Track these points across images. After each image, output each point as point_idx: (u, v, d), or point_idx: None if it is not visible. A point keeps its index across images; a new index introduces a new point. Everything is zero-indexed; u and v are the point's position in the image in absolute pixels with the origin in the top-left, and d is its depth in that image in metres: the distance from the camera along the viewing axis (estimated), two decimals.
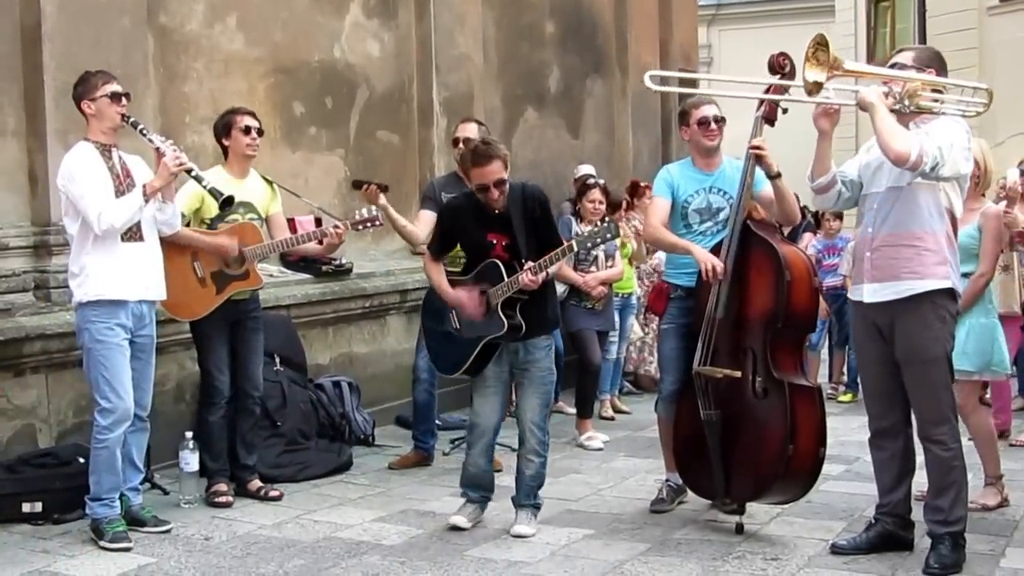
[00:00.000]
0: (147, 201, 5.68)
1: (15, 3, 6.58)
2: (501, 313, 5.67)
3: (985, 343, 6.25)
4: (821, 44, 4.89)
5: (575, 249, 5.60)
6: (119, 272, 5.67)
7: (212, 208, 6.32)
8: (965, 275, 6.18)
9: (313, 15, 8.67)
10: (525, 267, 5.57)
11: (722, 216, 5.98)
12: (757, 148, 5.72)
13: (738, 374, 5.69)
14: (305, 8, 8.59)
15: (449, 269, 6.05)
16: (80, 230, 5.65)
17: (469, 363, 5.85)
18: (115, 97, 5.74)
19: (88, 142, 5.77)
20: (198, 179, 5.92)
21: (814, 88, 4.93)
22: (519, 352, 5.80)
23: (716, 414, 5.78)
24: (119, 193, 5.69)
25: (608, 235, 5.63)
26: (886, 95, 5.01)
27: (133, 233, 5.73)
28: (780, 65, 5.99)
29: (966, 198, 6.27)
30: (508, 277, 5.63)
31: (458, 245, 6.06)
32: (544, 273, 5.59)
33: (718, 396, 5.79)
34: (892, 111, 5.00)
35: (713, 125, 6.04)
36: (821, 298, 10.06)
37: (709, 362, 5.78)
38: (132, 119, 5.80)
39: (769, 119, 5.90)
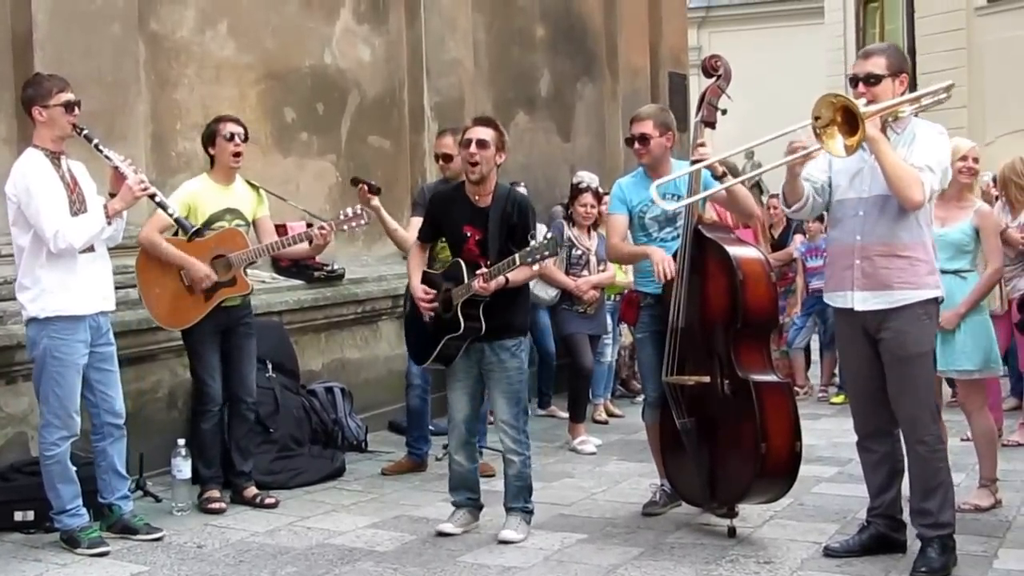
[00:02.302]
0: (109, 223, 5.62)
1: (6, 11, 6.58)
2: (460, 313, 5.71)
3: (983, 340, 6.27)
4: (833, 105, 4.79)
5: (518, 262, 5.59)
6: (78, 286, 5.59)
7: (204, 212, 6.33)
8: (955, 272, 6.21)
9: (304, 21, 8.67)
10: (477, 272, 5.61)
11: (680, 220, 5.97)
12: (700, 154, 5.73)
13: (707, 379, 5.71)
14: (296, 14, 8.59)
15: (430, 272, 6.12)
16: (33, 241, 5.53)
17: (432, 357, 5.91)
18: (69, 107, 5.61)
19: (37, 149, 5.63)
20: (163, 206, 5.88)
21: (853, 151, 4.85)
22: (485, 352, 5.82)
23: (691, 421, 5.80)
24: (71, 203, 5.58)
25: (547, 251, 5.61)
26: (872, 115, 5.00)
27: None
28: (713, 67, 6.03)
29: (953, 197, 6.31)
30: (468, 279, 5.69)
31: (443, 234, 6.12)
32: (500, 279, 5.62)
33: (690, 403, 5.82)
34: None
35: (637, 145, 6.07)
36: (799, 296, 10.16)
37: (678, 370, 5.81)
38: (86, 132, 5.67)
39: (708, 122, 5.96)
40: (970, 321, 6.24)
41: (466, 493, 6.03)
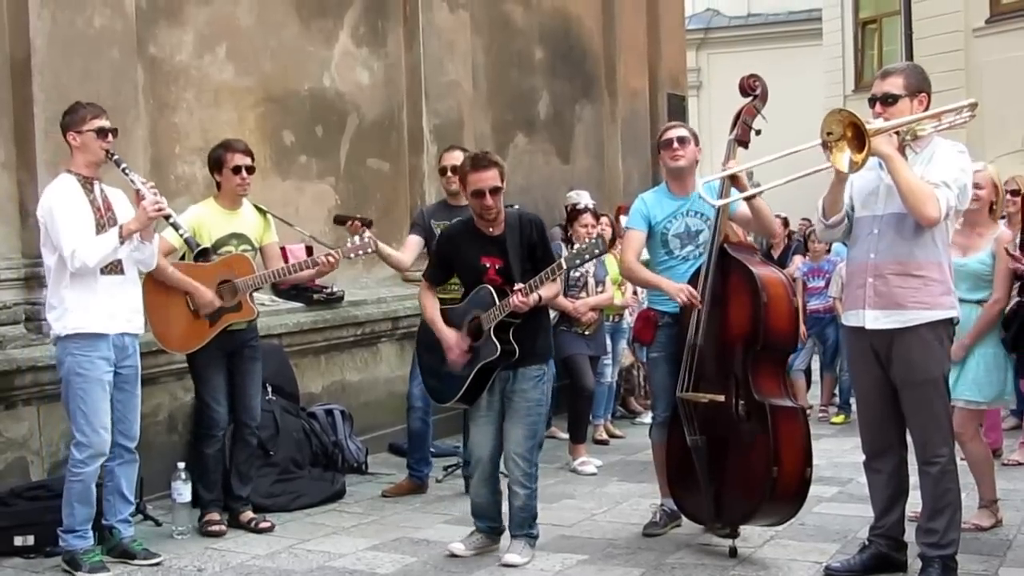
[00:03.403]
0: (122, 243, 5.65)
1: (4, 37, 6.60)
2: (494, 338, 5.66)
3: (999, 373, 6.21)
4: (845, 120, 4.78)
5: (564, 267, 5.60)
6: (98, 306, 5.66)
7: (209, 238, 6.34)
8: (978, 302, 6.18)
9: (302, 44, 8.70)
10: (515, 288, 5.57)
11: (702, 239, 5.99)
12: (731, 171, 5.76)
13: (721, 398, 5.70)
14: (294, 37, 8.62)
15: (443, 296, 6.08)
16: (58, 262, 5.63)
17: (464, 390, 5.79)
18: (102, 133, 5.73)
19: (70, 174, 5.76)
20: (175, 226, 5.92)
21: (858, 167, 4.82)
22: (508, 380, 5.77)
23: (702, 439, 5.79)
24: (100, 227, 5.68)
25: (596, 250, 5.59)
26: (889, 133, 4.98)
27: (113, 266, 5.72)
28: (751, 87, 6.04)
29: (978, 224, 6.26)
30: (500, 301, 5.64)
31: (454, 274, 6.04)
32: (535, 295, 5.58)
33: (703, 421, 5.80)
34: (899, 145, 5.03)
35: (676, 144, 6.07)
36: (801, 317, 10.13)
37: (693, 387, 5.79)
38: (116, 157, 5.78)
39: (742, 141, 5.96)
40: (987, 353, 6.17)
41: (487, 521, 6.00)
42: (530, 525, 5.88)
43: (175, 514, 6.40)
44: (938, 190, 4.92)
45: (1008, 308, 6.35)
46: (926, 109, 5.13)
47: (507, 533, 5.93)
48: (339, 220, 7.22)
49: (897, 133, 5.02)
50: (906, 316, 5.08)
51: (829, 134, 4.82)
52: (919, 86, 5.14)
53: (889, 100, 5.11)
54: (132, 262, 5.85)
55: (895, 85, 5.13)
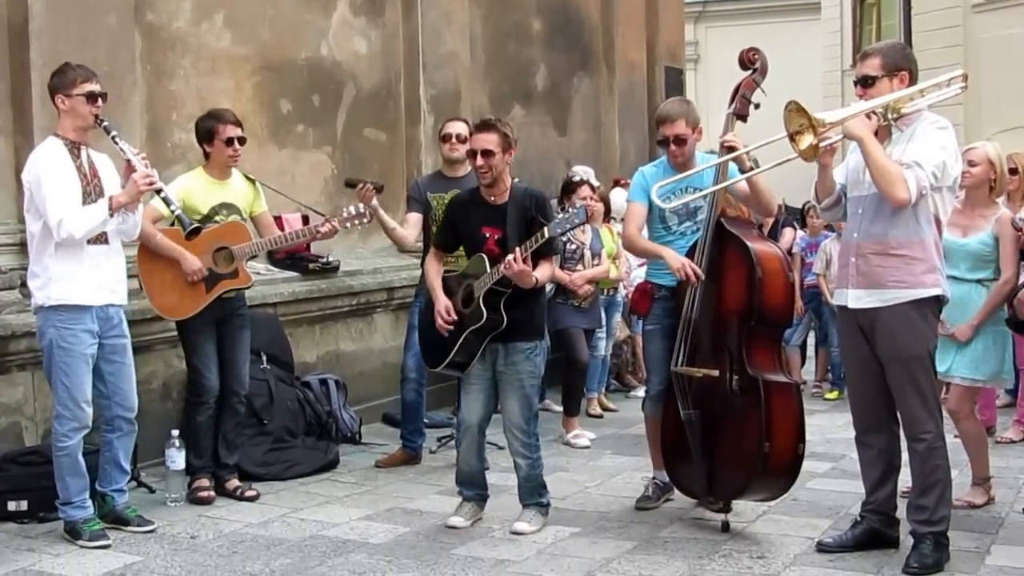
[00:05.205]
0: (112, 215, 5.57)
1: (2, 1, 6.55)
2: (483, 306, 5.70)
3: (998, 352, 6.20)
4: (795, 111, 4.85)
5: (547, 235, 5.59)
6: (83, 276, 5.57)
7: (198, 208, 6.32)
8: (979, 281, 6.18)
9: (300, 13, 8.65)
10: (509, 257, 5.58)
11: (700, 216, 5.97)
12: (729, 145, 5.73)
13: (716, 373, 5.71)
14: (292, 6, 8.57)
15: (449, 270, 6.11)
16: (43, 230, 5.53)
17: (451, 356, 5.85)
18: (92, 97, 5.60)
19: (57, 138, 5.63)
20: (166, 201, 5.84)
21: (812, 152, 4.87)
22: (499, 352, 5.80)
23: (696, 413, 5.79)
24: (86, 194, 5.57)
25: (577, 220, 5.60)
26: (868, 116, 4.98)
27: (99, 236, 5.61)
28: (750, 60, 6.01)
29: (978, 204, 6.25)
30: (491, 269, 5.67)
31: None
32: (533, 276, 5.57)
33: (697, 395, 5.81)
34: (881, 125, 5.03)
35: (673, 147, 6.00)
36: (798, 295, 10.14)
37: (688, 361, 5.80)
38: (106, 123, 5.67)
39: (741, 115, 5.94)
40: (988, 332, 6.16)
41: (475, 489, 6.04)
42: (539, 494, 5.94)
43: (169, 481, 6.41)
44: (908, 171, 4.91)
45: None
46: (906, 86, 5.11)
47: (499, 503, 5.95)
48: (350, 183, 7.16)
49: (875, 113, 5.02)
50: (887, 295, 5.10)
51: (801, 124, 4.86)
52: (898, 64, 5.13)
53: (868, 82, 5.13)
54: (116, 232, 5.76)
55: (872, 66, 5.13)
